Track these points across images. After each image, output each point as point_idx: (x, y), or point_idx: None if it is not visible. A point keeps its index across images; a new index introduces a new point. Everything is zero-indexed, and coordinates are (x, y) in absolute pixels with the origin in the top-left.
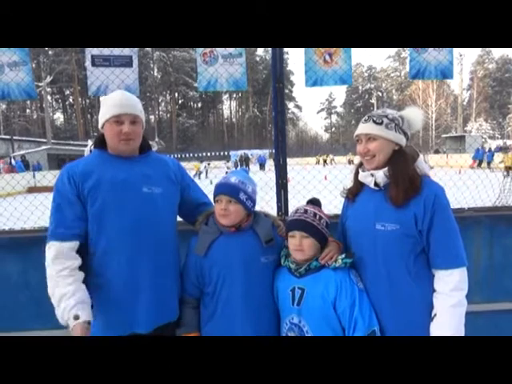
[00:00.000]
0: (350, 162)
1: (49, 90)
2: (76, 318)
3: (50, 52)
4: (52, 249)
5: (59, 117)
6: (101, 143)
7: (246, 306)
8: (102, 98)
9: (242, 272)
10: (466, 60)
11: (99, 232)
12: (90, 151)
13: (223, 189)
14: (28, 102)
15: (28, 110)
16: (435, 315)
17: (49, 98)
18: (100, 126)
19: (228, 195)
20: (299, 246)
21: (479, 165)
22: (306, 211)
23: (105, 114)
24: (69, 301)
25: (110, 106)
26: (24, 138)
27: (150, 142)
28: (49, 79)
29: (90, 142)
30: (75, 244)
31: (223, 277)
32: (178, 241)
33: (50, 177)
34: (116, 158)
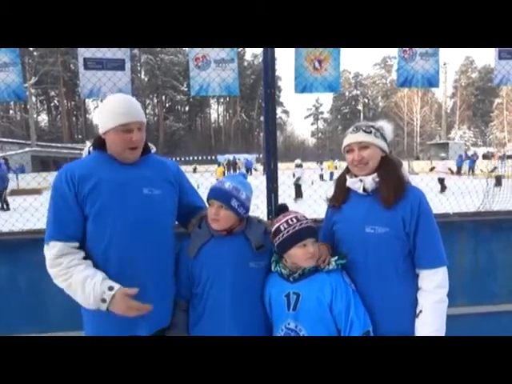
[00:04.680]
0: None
1: (33, 91)
2: (111, 288)
3: (35, 53)
4: (54, 249)
5: (44, 118)
6: (99, 145)
7: (234, 309)
8: (102, 102)
9: (230, 275)
10: (449, 69)
11: (99, 233)
12: (89, 152)
13: (215, 194)
14: (12, 103)
15: (11, 111)
16: (420, 311)
17: (33, 99)
18: (102, 131)
19: (219, 201)
20: (314, 252)
21: (458, 172)
22: (303, 217)
23: (110, 120)
24: (95, 278)
25: (116, 112)
26: (7, 140)
27: (149, 144)
28: (33, 80)
29: (88, 143)
30: (75, 245)
31: (212, 279)
32: (176, 243)
33: (39, 179)
34: (116, 160)
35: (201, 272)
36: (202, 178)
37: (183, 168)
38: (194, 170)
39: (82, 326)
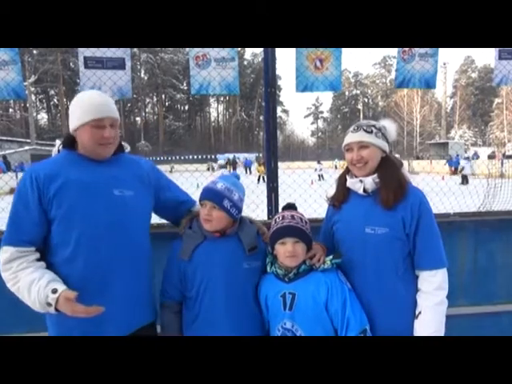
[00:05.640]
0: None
1: (33, 89)
2: (54, 291)
3: (34, 51)
4: (6, 254)
5: (43, 117)
6: (69, 143)
7: (228, 311)
8: (74, 99)
9: (224, 277)
10: (449, 68)
11: (65, 237)
12: (58, 151)
13: (208, 194)
14: (11, 102)
15: (11, 110)
16: (420, 313)
17: (33, 97)
18: (74, 127)
19: (212, 201)
20: (293, 252)
21: (454, 172)
22: (293, 217)
23: (82, 115)
24: (40, 282)
25: (88, 108)
26: (6, 138)
27: (123, 144)
28: (33, 79)
29: (58, 142)
30: (30, 249)
31: (206, 281)
32: (150, 244)
33: None
34: (85, 159)
35: (195, 274)
36: (202, 178)
37: (184, 167)
38: (171, 170)
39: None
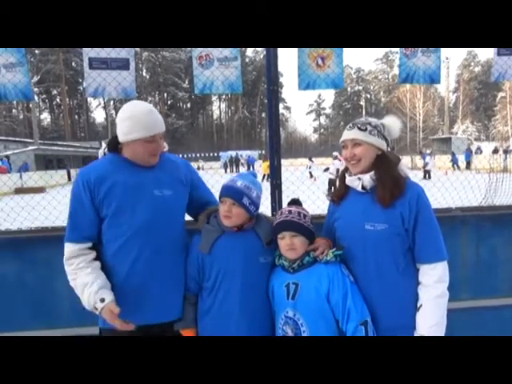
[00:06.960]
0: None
1: (36, 89)
2: (102, 300)
3: (36, 51)
4: (67, 250)
5: (46, 117)
6: (113, 147)
7: (243, 303)
8: (126, 109)
9: (241, 270)
10: (452, 63)
11: (114, 233)
12: (104, 154)
13: (228, 191)
14: (14, 102)
15: (14, 110)
16: (421, 306)
17: (36, 97)
18: (126, 139)
19: (232, 198)
20: (291, 245)
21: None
22: (290, 212)
23: (138, 131)
24: (91, 287)
25: (144, 124)
26: (10, 139)
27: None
28: (36, 79)
29: (103, 145)
30: (87, 245)
31: (223, 274)
32: (187, 240)
33: (36, 177)
34: (130, 163)
35: (212, 267)
36: (207, 175)
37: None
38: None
39: (89, 321)
